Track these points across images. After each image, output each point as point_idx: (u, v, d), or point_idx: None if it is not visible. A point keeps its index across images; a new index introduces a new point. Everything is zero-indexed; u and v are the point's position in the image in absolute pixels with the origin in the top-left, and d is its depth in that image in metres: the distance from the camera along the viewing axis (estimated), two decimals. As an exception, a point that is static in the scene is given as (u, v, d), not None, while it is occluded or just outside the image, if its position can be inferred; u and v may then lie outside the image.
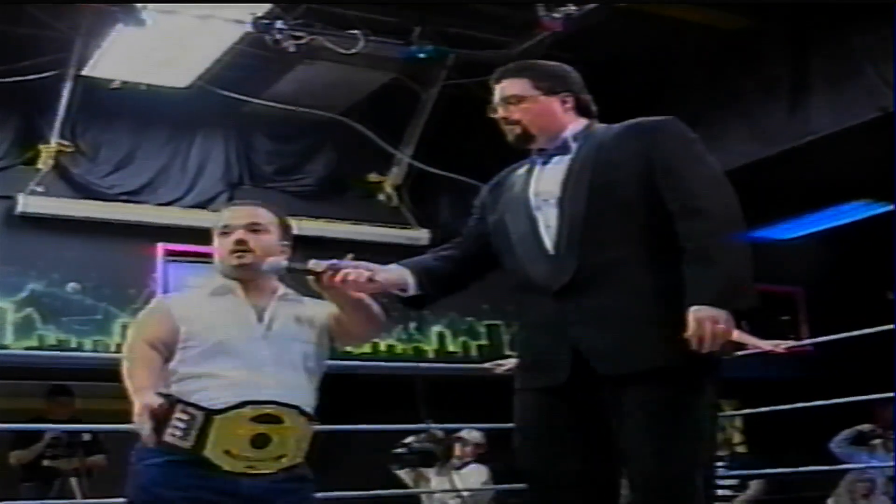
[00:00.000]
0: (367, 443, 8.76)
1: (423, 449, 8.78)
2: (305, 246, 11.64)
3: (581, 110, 3.72)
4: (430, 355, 11.26)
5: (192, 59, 9.24)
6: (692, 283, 3.28)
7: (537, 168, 3.66)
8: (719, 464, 9.41)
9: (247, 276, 3.54)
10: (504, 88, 3.70)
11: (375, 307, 3.62)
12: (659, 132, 3.56)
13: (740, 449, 9.73)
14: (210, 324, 3.43)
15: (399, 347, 11.34)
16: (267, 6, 8.43)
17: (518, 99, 3.66)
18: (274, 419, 3.29)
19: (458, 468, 9.01)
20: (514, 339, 3.64)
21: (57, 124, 9.86)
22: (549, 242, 3.50)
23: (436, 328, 11.47)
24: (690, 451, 3.35)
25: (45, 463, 8.84)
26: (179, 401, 3.27)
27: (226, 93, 9.85)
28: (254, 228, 3.59)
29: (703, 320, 3.21)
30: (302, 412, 3.38)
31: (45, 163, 10.00)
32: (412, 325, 11.41)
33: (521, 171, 3.74)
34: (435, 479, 8.83)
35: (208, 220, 4.20)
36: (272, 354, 3.41)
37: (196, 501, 3.24)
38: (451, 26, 9.28)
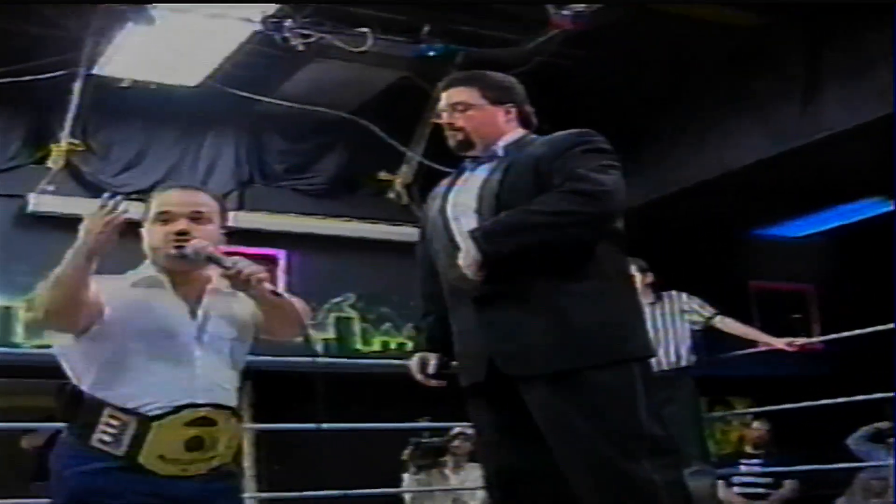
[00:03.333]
0: (377, 441, 8.75)
1: (433, 445, 8.80)
2: (316, 244, 11.68)
3: (522, 121, 3.82)
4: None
5: (202, 57, 9.23)
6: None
7: (465, 175, 3.78)
8: (750, 461, 9.43)
9: (182, 267, 3.26)
10: (451, 95, 3.82)
11: (299, 305, 3.40)
12: (566, 142, 3.63)
13: (757, 450, 9.65)
14: (136, 316, 3.18)
15: (410, 345, 11.33)
16: (276, 5, 8.42)
17: (465, 106, 3.76)
18: (209, 422, 3.13)
19: (456, 467, 8.99)
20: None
21: (68, 123, 9.86)
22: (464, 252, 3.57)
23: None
24: (612, 442, 3.40)
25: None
26: (107, 404, 3.09)
27: (236, 91, 9.85)
28: (196, 217, 3.29)
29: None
30: (234, 413, 3.25)
31: (55, 162, 10.01)
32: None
33: (447, 181, 3.87)
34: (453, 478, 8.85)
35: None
36: (206, 355, 3.21)
37: None
38: (460, 24, 9.26)
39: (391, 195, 11.41)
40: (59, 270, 3.10)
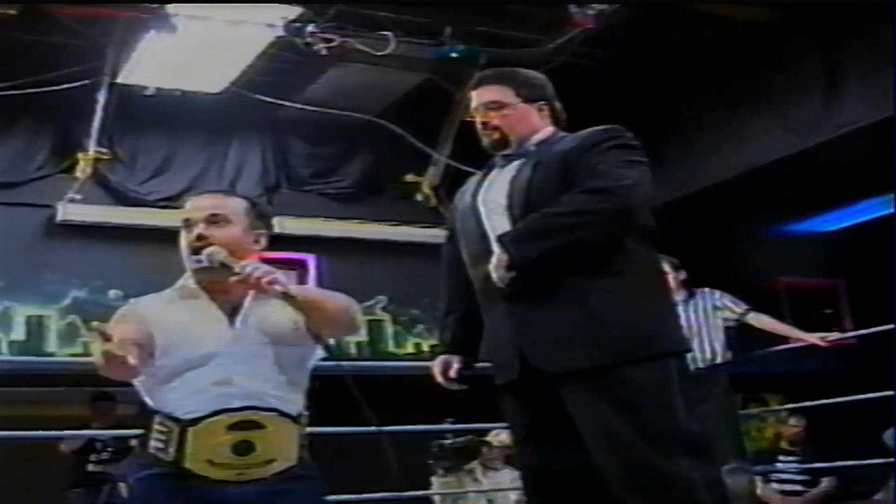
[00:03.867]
0: (406, 444, 8.72)
1: (458, 446, 8.79)
2: (345, 247, 11.69)
3: (553, 118, 3.82)
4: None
5: (225, 63, 9.27)
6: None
7: (494, 171, 3.77)
8: (787, 458, 9.38)
9: (209, 277, 3.27)
10: (484, 94, 3.79)
11: (343, 302, 3.37)
12: (594, 139, 3.62)
13: (793, 447, 9.60)
14: (179, 330, 3.22)
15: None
16: (298, 10, 8.44)
17: (499, 105, 3.75)
18: (254, 425, 3.14)
19: (487, 470, 8.98)
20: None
21: (94, 132, 9.92)
22: (494, 245, 3.56)
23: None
24: (650, 440, 3.38)
25: (91, 468, 8.86)
26: (157, 412, 3.19)
27: (260, 97, 9.88)
28: (213, 220, 3.29)
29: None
30: (283, 414, 3.22)
31: (83, 171, 10.06)
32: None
33: (476, 177, 3.85)
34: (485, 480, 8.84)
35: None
36: (244, 359, 3.21)
37: None
38: (482, 25, 9.26)
39: (418, 198, 11.42)
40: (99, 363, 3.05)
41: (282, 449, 3.21)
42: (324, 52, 8.70)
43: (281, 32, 8.59)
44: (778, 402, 10.57)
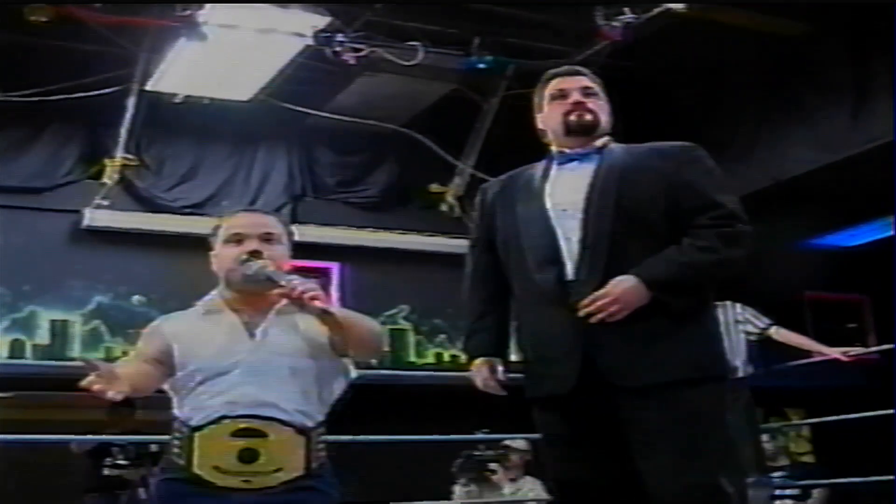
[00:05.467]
0: (427, 453, 8.75)
1: (484, 457, 8.80)
2: (368, 256, 11.70)
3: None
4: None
5: (253, 72, 9.32)
6: (657, 257, 3.47)
7: (553, 170, 3.72)
8: (777, 473, 9.32)
9: (250, 288, 3.34)
10: (579, 80, 3.79)
11: (372, 328, 3.45)
12: (683, 157, 3.65)
13: (807, 458, 9.57)
14: (198, 343, 3.33)
15: (462, 357, 11.33)
16: (327, 19, 8.48)
17: (595, 93, 3.77)
18: (257, 433, 3.20)
19: (510, 479, 8.98)
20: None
21: (122, 139, 9.98)
22: (566, 255, 3.54)
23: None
24: (710, 459, 3.37)
25: (107, 472, 8.85)
26: (176, 418, 3.30)
27: (288, 106, 9.92)
28: (267, 238, 3.40)
29: (613, 289, 3.40)
30: (287, 424, 3.24)
31: (110, 177, 10.12)
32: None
33: (536, 173, 3.78)
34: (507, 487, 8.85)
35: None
36: (257, 370, 3.27)
37: None
38: (510, 36, 9.29)
39: (443, 207, 11.44)
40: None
41: (287, 458, 3.24)
42: (352, 61, 8.74)
43: (310, 42, 8.64)
44: (800, 416, 10.56)
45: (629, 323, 3.40)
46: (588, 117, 3.70)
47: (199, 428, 3.21)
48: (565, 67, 3.92)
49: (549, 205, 3.63)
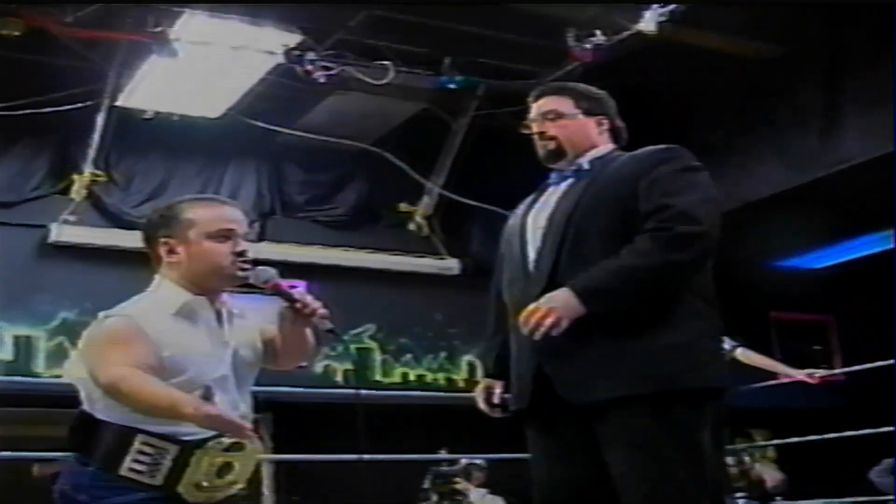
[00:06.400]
0: (394, 471, 8.74)
1: (452, 473, 8.83)
2: (336, 275, 11.64)
3: (613, 135, 3.75)
4: (461, 384, 11.18)
5: (224, 89, 9.32)
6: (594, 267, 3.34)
7: (549, 189, 3.68)
8: (739, 495, 9.33)
9: (228, 286, 3.22)
10: (543, 105, 3.71)
11: (311, 337, 3.36)
12: (657, 157, 3.55)
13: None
14: (189, 349, 3.08)
15: (429, 377, 11.33)
16: (298, 37, 8.49)
17: (557, 115, 3.67)
18: (241, 447, 2.99)
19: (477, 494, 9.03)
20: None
21: (91, 154, 9.94)
22: (528, 272, 3.52)
23: (466, 358, 11.44)
24: (677, 475, 3.27)
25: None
26: (140, 431, 2.95)
27: (258, 123, 9.92)
28: (248, 238, 3.27)
29: (544, 303, 3.29)
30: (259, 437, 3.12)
31: (78, 192, 10.06)
32: (443, 354, 11.41)
33: (532, 196, 3.76)
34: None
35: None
36: (237, 379, 3.14)
37: None
38: (481, 57, 9.31)
39: (412, 227, 11.43)
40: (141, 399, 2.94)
41: (249, 470, 3.10)
42: (322, 80, 8.74)
43: (281, 59, 8.64)
44: (765, 437, 10.58)
45: (583, 336, 3.30)
46: (550, 146, 3.66)
47: (199, 444, 2.95)
48: (538, 88, 3.84)
49: (529, 222, 3.62)
